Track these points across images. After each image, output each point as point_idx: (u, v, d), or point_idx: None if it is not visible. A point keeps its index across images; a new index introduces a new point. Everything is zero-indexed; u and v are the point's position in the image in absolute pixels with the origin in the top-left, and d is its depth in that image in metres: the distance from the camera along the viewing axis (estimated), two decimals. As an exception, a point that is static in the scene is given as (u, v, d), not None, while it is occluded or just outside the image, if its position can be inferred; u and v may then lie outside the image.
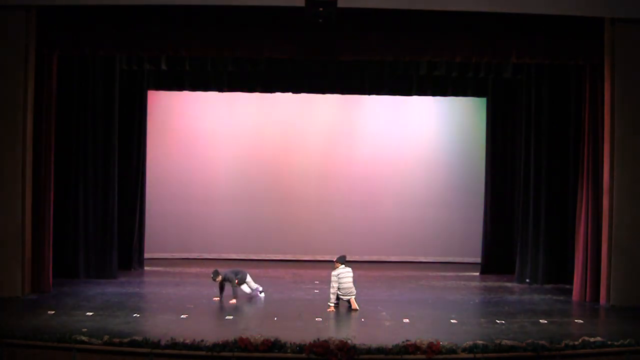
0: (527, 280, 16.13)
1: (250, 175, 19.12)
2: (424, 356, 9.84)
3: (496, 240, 17.59)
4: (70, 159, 15.77)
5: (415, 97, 18.26)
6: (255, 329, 10.99)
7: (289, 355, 9.86)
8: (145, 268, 17.31)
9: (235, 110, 19.12)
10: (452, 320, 12.15)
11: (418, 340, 9.99)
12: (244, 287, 13.87)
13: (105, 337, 10.09)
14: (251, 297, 13.95)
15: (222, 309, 12.79)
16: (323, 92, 18.12)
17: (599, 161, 14.10)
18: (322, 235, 18.84)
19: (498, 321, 12.12)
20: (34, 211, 13.96)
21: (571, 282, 14.81)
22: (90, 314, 12.11)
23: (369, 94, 18.16)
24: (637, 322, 12.06)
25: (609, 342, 10.32)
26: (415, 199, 19.08)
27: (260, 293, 14.04)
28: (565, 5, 13.42)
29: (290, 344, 9.96)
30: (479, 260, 17.82)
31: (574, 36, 14.02)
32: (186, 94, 18.32)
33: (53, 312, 12.19)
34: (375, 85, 17.65)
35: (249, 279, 13.96)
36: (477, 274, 17.41)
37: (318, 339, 10.00)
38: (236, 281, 13.63)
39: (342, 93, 18.26)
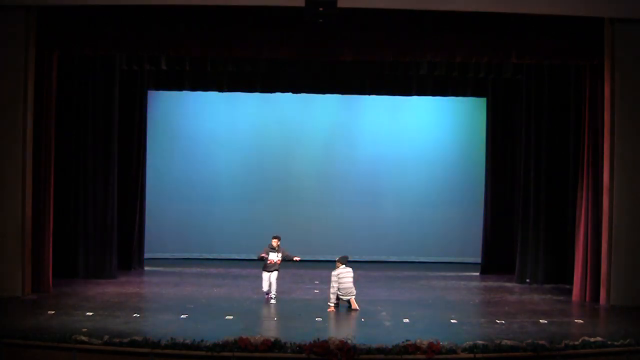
0: (527, 280, 16.13)
1: (250, 175, 19.14)
2: (424, 356, 9.84)
3: (496, 240, 17.60)
4: (70, 159, 15.77)
5: (415, 97, 18.26)
6: (255, 329, 10.99)
7: (289, 355, 9.85)
8: (145, 268, 17.32)
9: (235, 110, 19.14)
10: (452, 320, 12.15)
11: (418, 340, 9.99)
12: (272, 275, 13.78)
13: (105, 337, 10.09)
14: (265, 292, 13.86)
15: (222, 309, 12.78)
16: (323, 92, 18.14)
17: (599, 161, 14.09)
18: (322, 235, 18.85)
19: (498, 321, 12.12)
20: (34, 211, 13.95)
21: (571, 282, 14.81)
22: (90, 314, 12.11)
23: (369, 94, 18.18)
24: (637, 322, 12.06)
25: (609, 342, 10.31)
26: (415, 199, 19.10)
27: (272, 298, 13.79)
28: (565, 5, 13.42)
29: (290, 344, 9.96)
30: (479, 260, 17.83)
31: (573, 36, 14.02)
32: (186, 94, 18.33)
33: (53, 312, 12.18)
34: (375, 85, 17.67)
35: (275, 276, 13.78)
36: (477, 274, 17.43)
37: (318, 339, 10.00)
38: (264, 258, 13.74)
39: (342, 93, 18.27)
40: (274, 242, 13.79)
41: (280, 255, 13.75)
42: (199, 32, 14.09)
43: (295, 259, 13.92)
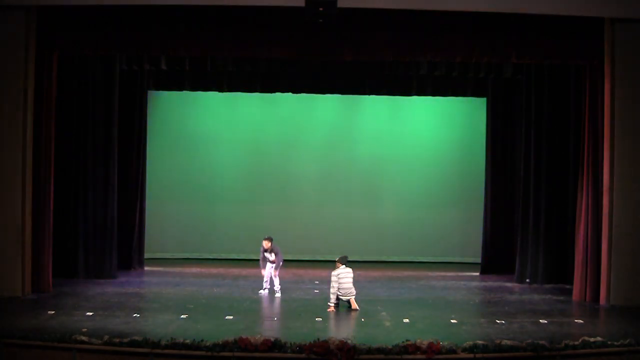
0: (527, 280, 16.13)
1: (250, 175, 19.16)
2: (424, 356, 9.83)
3: (496, 240, 17.60)
4: (70, 159, 15.77)
5: (415, 97, 18.26)
6: (255, 329, 10.99)
7: (289, 355, 9.84)
8: (145, 268, 17.32)
9: (235, 111, 19.16)
10: (452, 320, 12.14)
11: (418, 340, 9.98)
12: (273, 269, 14.12)
13: (105, 337, 10.08)
14: (265, 288, 14.21)
15: (222, 309, 12.79)
16: (323, 92, 18.15)
17: (599, 161, 14.08)
18: (322, 235, 18.88)
19: (498, 321, 12.11)
20: (34, 211, 13.94)
21: (571, 282, 14.80)
22: (90, 314, 12.10)
23: (369, 94, 18.19)
24: (637, 322, 12.05)
25: (609, 342, 10.31)
26: (415, 199, 19.12)
27: (276, 291, 14.14)
28: (565, 5, 13.42)
29: (290, 344, 9.95)
30: (479, 260, 17.82)
31: (574, 36, 14.01)
32: (186, 94, 18.33)
33: (53, 312, 12.17)
34: (375, 85, 17.68)
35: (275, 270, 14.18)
36: (477, 274, 17.42)
37: (318, 339, 9.99)
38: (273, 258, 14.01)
39: (342, 93, 18.29)
40: (265, 244, 14.02)
41: (273, 255, 14.01)
42: (199, 32, 14.09)
43: (275, 274, 14.15)
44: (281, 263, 14.18)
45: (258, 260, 14.31)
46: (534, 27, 13.97)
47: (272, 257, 14.02)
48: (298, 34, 14.03)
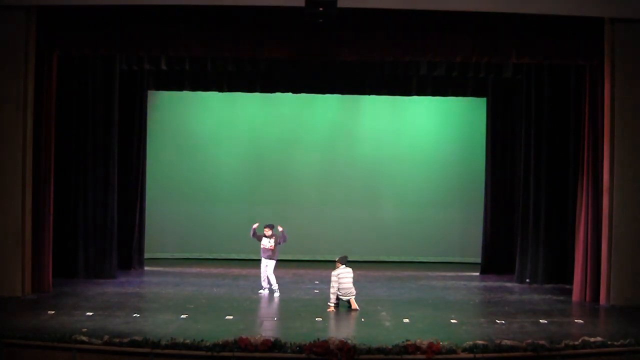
0: (527, 280, 16.13)
1: (250, 175, 19.16)
2: (424, 356, 9.84)
3: (496, 240, 17.59)
4: (70, 159, 15.77)
5: (415, 97, 18.25)
6: (255, 329, 10.99)
7: (289, 355, 9.85)
8: (145, 268, 17.31)
9: (235, 111, 19.14)
10: (452, 320, 12.15)
11: (418, 340, 9.99)
12: (268, 267, 14.16)
13: (105, 337, 10.09)
14: (262, 288, 14.27)
15: (222, 309, 12.79)
16: (323, 92, 18.14)
17: (599, 161, 14.09)
18: (322, 235, 18.87)
19: (498, 321, 12.12)
20: (34, 211, 13.95)
21: (571, 282, 14.80)
22: (90, 314, 12.11)
23: (369, 94, 18.18)
24: (637, 322, 12.06)
25: (609, 342, 10.32)
26: (415, 199, 19.11)
27: (275, 291, 14.17)
28: (565, 5, 13.42)
29: (290, 344, 9.96)
30: (479, 260, 17.82)
31: (574, 36, 14.01)
32: (186, 94, 18.32)
33: (53, 312, 12.18)
34: (375, 85, 17.68)
35: (271, 268, 14.16)
36: (477, 274, 17.42)
37: (318, 339, 10.00)
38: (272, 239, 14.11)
39: (342, 93, 18.29)
40: (266, 231, 14.09)
41: (272, 241, 14.02)
42: (199, 32, 14.09)
43: (279, 228, 14.11)
44: (284, 240, 14.15)
45: (256, 260, 14.30)
46: (534, 27, 13.98)
47: (270, 244, 14.04)
48: (298, 34, 14.04)
